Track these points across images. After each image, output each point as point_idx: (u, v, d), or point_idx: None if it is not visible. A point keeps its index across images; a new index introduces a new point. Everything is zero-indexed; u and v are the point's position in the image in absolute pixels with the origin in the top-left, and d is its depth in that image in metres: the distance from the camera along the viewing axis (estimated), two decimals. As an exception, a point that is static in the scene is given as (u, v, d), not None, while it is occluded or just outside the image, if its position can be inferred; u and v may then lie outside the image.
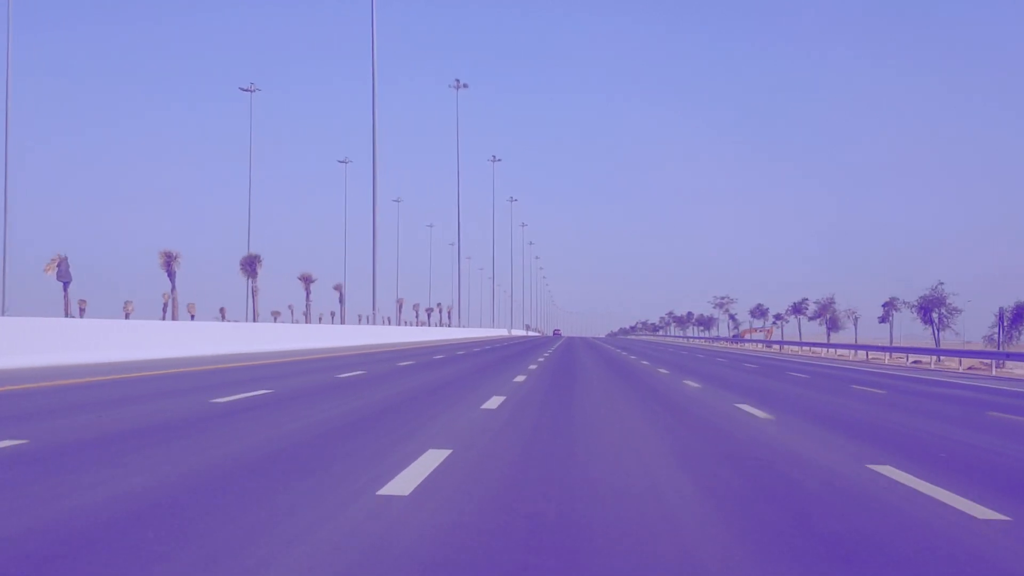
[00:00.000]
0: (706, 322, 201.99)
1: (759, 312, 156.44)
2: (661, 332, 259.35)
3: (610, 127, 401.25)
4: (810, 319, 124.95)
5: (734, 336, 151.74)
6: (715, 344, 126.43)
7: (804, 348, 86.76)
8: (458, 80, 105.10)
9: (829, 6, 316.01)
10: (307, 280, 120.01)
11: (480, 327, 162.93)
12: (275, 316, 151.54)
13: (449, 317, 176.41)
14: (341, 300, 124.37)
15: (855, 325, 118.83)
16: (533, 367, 31.33)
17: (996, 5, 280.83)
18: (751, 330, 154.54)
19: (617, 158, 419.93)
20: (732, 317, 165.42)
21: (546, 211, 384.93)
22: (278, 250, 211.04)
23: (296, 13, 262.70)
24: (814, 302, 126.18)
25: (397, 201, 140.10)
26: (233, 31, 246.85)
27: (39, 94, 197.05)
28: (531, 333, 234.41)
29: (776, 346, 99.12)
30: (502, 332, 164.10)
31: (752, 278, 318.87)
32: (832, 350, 76.55)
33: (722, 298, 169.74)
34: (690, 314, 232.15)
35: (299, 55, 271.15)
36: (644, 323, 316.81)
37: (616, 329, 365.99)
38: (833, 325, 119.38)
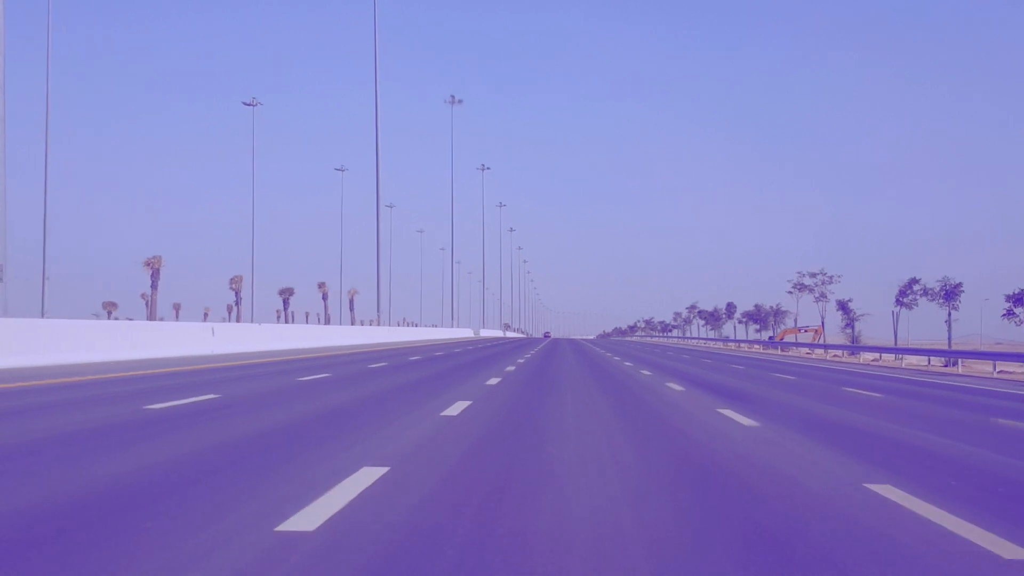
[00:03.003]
0: (762, 319, 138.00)
1: (946, 292, 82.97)
2: (676, 332, 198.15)
3: (604, 126, 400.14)
4: None
5: (769, 339, 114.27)
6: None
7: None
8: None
9: (826, 7, 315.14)
10: (153, 266, 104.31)
11: (431, 326, 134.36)
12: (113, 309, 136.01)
13: (346, 308, 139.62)
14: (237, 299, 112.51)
15: None
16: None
17: (992, 6, 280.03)
18: (793, 330, 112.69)
19: (609, 157, 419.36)
20: (843, 306, 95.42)
21: (536, 214, 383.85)
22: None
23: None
24: None
25: (341, 170, 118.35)
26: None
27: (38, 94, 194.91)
28: (511, 334, 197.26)
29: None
30: (465, 333, 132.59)
31: (751, 277, 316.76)
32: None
33: (815, 274, 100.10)
34: (731, 306, 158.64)
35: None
36: (648, 321, 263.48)
37: (610, 329, 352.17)
38: None
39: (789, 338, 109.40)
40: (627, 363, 38.78)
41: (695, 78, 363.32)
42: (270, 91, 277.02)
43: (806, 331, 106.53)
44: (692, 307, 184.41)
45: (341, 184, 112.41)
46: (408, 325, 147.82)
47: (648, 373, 29.72)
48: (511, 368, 30.20)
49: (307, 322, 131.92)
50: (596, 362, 39.96)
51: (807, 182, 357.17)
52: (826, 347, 72.63)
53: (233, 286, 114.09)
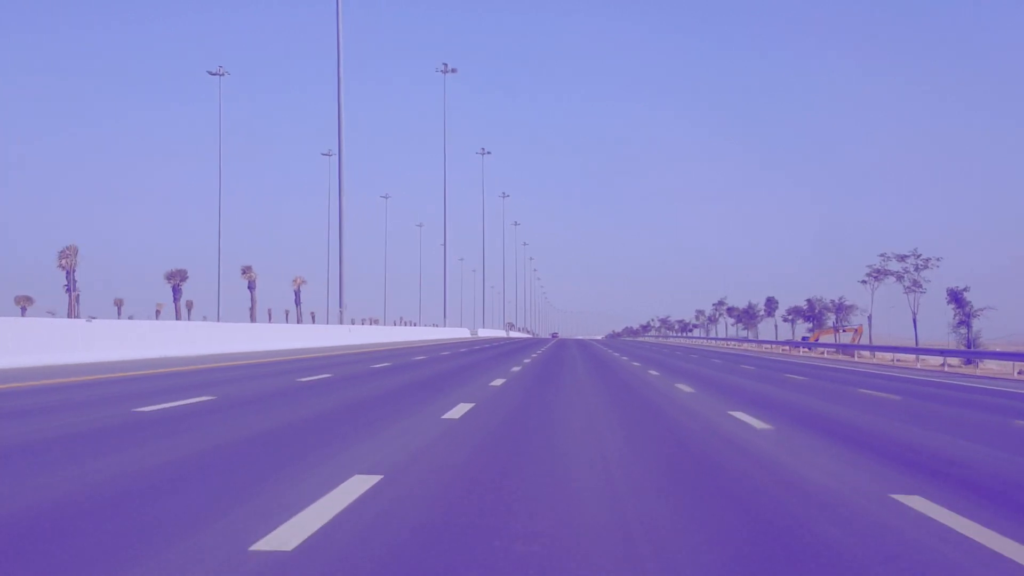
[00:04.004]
0: (816, 316, 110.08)
1: None
2: (698, 332, 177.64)
3: (612, 125, 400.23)
4: None
5: (803, 339, 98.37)
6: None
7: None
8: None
9: (824, 11, 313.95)
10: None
11: (431, 326, 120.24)
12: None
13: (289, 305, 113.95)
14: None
15: None
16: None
17: (988, 8, 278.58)
18: (829, 331, 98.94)
19: (617, 156, 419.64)
20: (956, 297, 69.80)
21: (543, 213, 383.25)
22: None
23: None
24: None
25: (327, 154, 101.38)
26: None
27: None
28: (515, 334, 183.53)
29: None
30: (459, 334, 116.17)
31: (753, 278, 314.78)
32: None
33: (905, 256, 76.47)
34: (771, 301, 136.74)
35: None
36: (664, 320, 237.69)
37: (620, 329, 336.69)
38: None
39: (825, 339, 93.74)
40: (682, 386, 22.82)
41: (696, 76, 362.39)
42: (270, 86, 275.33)
43: (845, 331, 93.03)
44: (719, 303, 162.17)
45: (328, 170, 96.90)
46: (407, 324, 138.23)
47: (763, 426, 13.61)
48: (461, 410, 14.71)
49: (225, 320, 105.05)
50: (628, 384, 24.03)
51: (815, 177, 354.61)
52: (943, 353, 47.70)
53: (62, 263, 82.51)
